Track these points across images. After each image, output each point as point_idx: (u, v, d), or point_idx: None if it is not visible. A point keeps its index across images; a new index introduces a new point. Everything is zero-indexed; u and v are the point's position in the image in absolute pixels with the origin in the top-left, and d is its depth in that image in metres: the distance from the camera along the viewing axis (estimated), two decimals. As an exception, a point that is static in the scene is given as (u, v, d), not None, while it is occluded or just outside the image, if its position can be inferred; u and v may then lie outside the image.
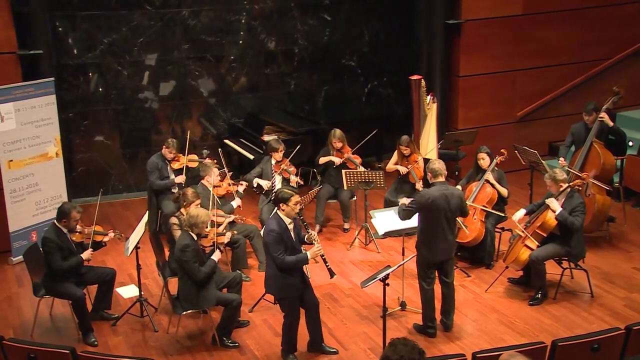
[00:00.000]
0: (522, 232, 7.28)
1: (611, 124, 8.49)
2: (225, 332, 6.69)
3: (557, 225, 7.12)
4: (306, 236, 6.34)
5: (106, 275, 7.13)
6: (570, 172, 8.09)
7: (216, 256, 6.70)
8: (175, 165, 8.75)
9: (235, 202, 8.12)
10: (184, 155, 8.82)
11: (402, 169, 8.79)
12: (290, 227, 6.19)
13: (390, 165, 8.96)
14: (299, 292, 6.26)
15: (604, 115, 8.41)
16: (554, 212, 7.10)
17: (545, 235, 7.20)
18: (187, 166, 8.74)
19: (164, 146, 8.74)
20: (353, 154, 8.99)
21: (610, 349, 5.30)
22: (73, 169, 10.30)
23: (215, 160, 8.50)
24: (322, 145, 9.22)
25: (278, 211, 6.21)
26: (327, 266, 6.31)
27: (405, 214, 6.73)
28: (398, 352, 3.90)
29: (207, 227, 6.76)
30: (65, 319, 7.17)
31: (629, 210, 9.17)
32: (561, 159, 8.59)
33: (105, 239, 7.13)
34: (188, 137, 9.01)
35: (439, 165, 6.64)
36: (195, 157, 8.90)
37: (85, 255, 6.89)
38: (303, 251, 6.28)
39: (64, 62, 10.04)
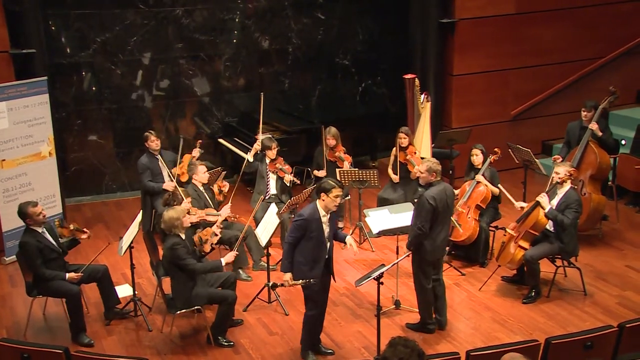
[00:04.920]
0: (515, 232, 7.28)
1: (600, 134, 8.39)
2: (220, 330, 6.69)
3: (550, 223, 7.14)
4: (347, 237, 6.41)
5: (97, 272, 7.07)
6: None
7: (228, 259, 6.61)
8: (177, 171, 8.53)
9: (215, 185, 8.16)
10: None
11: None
12: (324, 219, 6.15)
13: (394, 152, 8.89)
14: (320, 283, 6.22)
15: (593, 125, 8.36)
16: (544, 209, 7.12)
17: (537, 234, 7.21)
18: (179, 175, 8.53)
19: (146, 142, 8.57)
20: (346, 153, 8.98)
21: (603, 346, 5.31)
22: (66, 169, 10.26)
23: (197, 158, 8.45)
24: (316, 144, 9.20)
25: (317, 201, 6.20)
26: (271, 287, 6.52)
27: (424, 217, 6.43)
28: (397, 354, 3.80)
29: (186, 221, 6.60)
30: (59, 318, 7.15)
31: (621, 209, 9.19)
32: (555, 155, 8.57)
33: (83, 236, 7.09)
34: (181, 143, 8.70)
35: (437, 165, 6.58)
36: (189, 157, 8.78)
37: (70, 276, 6.75)
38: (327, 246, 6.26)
39: (57, 61, 10.01)
